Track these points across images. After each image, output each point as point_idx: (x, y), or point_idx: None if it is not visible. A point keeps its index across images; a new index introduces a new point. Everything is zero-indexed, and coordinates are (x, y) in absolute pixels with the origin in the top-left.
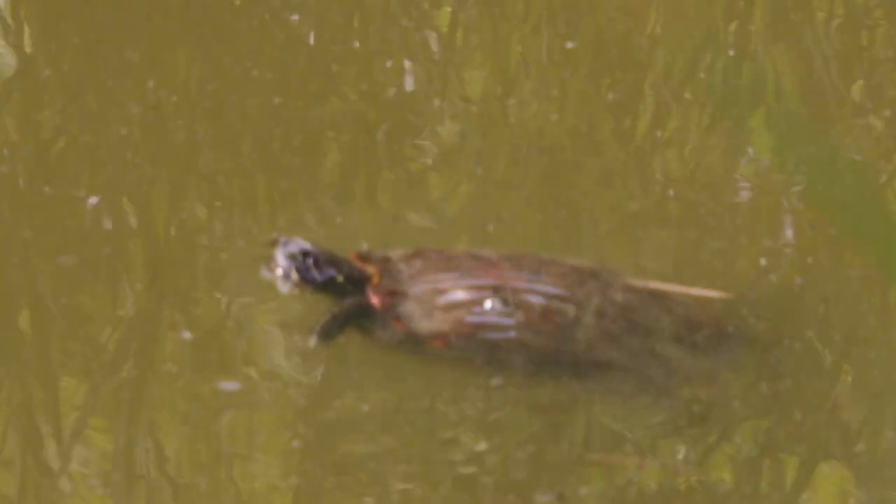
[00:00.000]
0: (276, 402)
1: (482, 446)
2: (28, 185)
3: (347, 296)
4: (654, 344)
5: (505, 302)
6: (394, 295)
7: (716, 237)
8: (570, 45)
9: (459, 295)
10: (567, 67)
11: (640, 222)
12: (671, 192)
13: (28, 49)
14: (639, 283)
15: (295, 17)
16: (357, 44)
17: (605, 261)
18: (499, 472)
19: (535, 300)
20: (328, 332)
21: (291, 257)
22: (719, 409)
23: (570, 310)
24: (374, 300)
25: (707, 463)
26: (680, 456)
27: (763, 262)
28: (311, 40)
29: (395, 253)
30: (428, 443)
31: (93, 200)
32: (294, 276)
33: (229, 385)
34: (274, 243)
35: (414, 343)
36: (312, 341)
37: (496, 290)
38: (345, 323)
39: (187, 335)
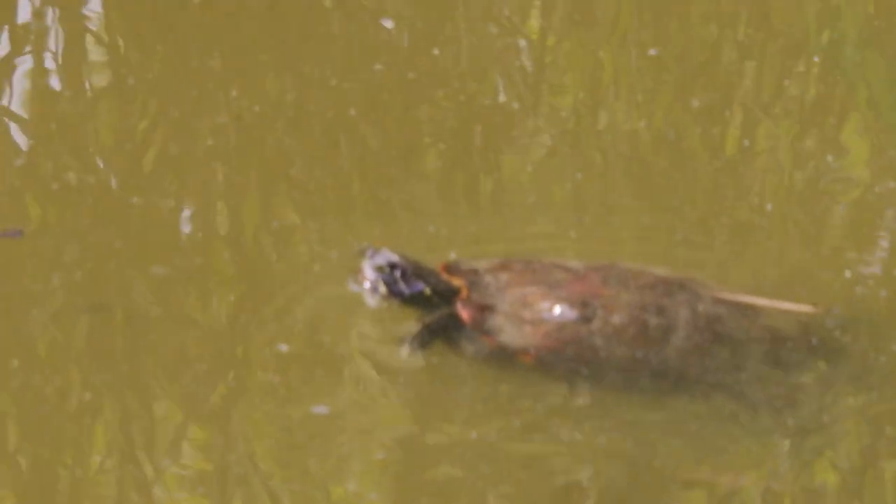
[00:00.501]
0: (369, 420)
1: (577, 467)
2: (119, 195)
3: (435, 309)
4: (743, 357)
5: (594, 315)
6: (483, 310)
7: (801, 248)
8: (653, 52)
9: (547, 307)
10: (653, 75)
11: (732, 233)
12: (759, 202)
13: (118, 60)
14: (727, 294)
15: (388, 23)
16: (446, 51)
17: (692, 271)
18: (596, 494)
19: (625, 313)
20: (421, 343)
21: (379, 269)
22: (810, 422)
23: (660, 322)
24: (465, 315)
25: (804, 477)
26: (779, 470)
27: (848, 274)
28: (405, 42)
29: (482, 264)
30: (521, 467)
31: (186, 213)
32: (382, 288)
33: (321, 409)
34: (361, 254)
35: (502, 356)
36: (405, 352)
37: (585, 304)
38: (436, 333)
39: (284, 348)
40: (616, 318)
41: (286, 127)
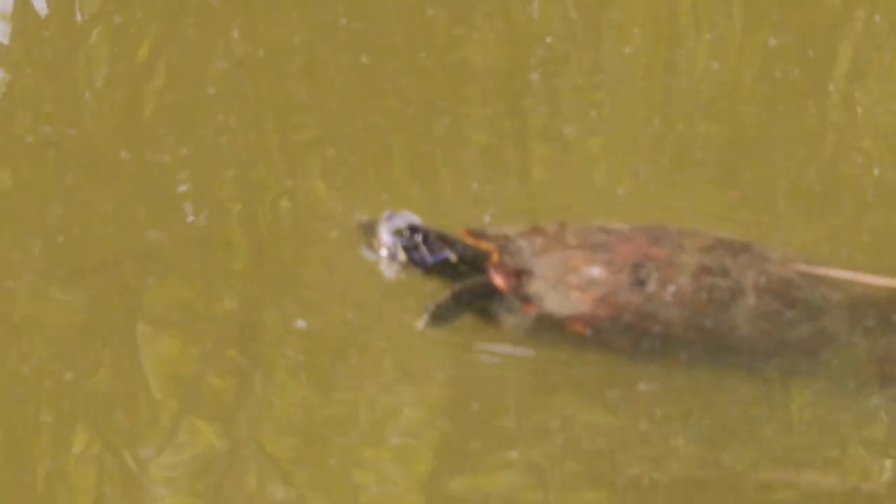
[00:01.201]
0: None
1: (640, 462)
2: (108, 150)
3: (463, 279)
4: (825, 325)
5: (650, 277)
6: (520, 274)
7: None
8: None
9: (596, 272)
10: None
11: (805, 196)
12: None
13: None
14: (799, 264)
15: None
16: None
17: (755, 236)
18: (662, 495)
19: (685, 274)
20: (442, 315)
21: (398, 233)
22: None
23: (725, 285)
24: (499, 280)
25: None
26: (870, 467)
27: None
28: None
29: (511, 229)
30: (578, 458)
31: (185, 171)
32: (401, 255)
33: (340, 394)
34: (375, 219)
35: (549, 328)
36: (422, 323)
37: (638, 265)
38: (464, 304)
39: (301, 323)
40: (675, 281)
41: (297, 74)
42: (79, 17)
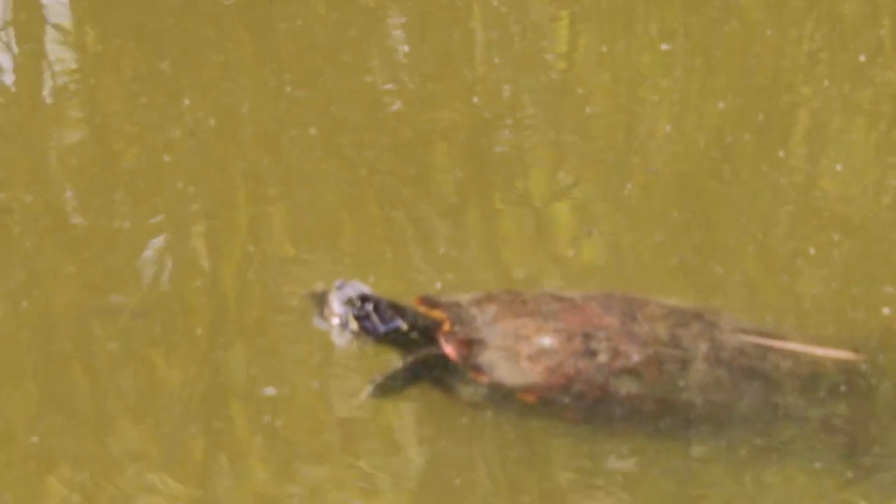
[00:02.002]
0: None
1: None
2: (63, 216)
3: (414, 347)
4: (775, 394)
5: (601, 347)
6: (471, 344)
7: (830, 281)
8: (665, 46)
9: (547, 341)
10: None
11: (753, 261)
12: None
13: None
14: (752, 334)
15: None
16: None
17: (707, 301)
18: None
19: (635, 346)
20: (388, 387)
21: (349, 303)
22: (853, 470)
23: (676, 355)
24: (449, 350)
25: None
26: None
27: (886, 311)
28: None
29: (464, 297)
30: None
31: (145, 235)
32: (353, 324)
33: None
34: (327, 289)
35: (501, 398)
36: (366, 393)
37: (589, 335)
38: (414, 376)
39: (271, 391)
40: (627, 352)
41: (249, 141)
42: (46, 92)
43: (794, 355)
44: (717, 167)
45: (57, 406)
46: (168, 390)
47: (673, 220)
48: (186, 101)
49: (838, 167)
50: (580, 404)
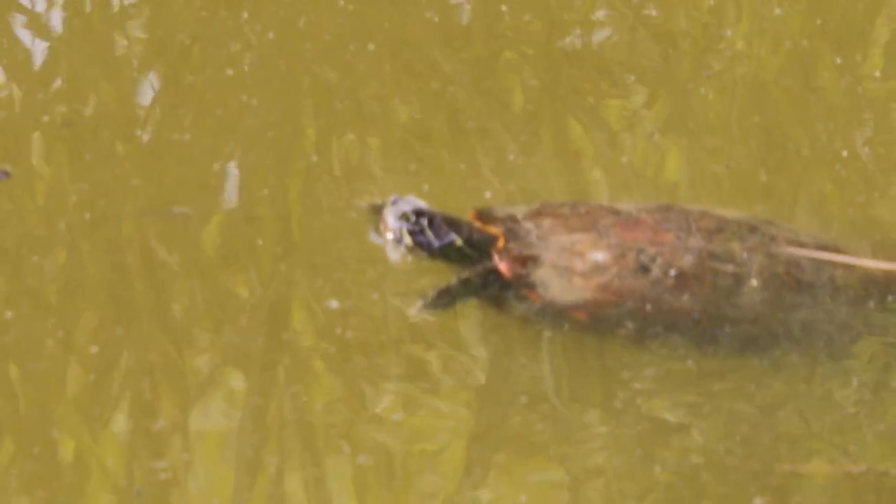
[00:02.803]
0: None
1: (648, 461)
2: (127, 129)
3: (469, 263)
4: (830, 308)
5: (655, 263)
6: (525, 261)
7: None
8: None
9: (601, 257)
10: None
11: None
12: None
13: None
14: (803, 246)
15: None
16: None
17: (763, 212)
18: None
19: (690, 260)
20: (438, 302)
21: (403, 217)
22: None
23: (731, 269)
24: (503, 268)
25: None
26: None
27: None
28: None
29: (520, 210)
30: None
31: (206, 147)
32: (407, 239)
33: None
34: (382, 203)
35: (554, 315)
36: (416, 309)
37: (643, 250)
38: (463, 294)
39: (334, 304)
40: (679, 267)
41: (313, 56)
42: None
43: (849, 268)
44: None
45: (118, 316)
46: (233, 301)
47: (745, 127)
48: (245, 15)
49: None
50: (632, 321)
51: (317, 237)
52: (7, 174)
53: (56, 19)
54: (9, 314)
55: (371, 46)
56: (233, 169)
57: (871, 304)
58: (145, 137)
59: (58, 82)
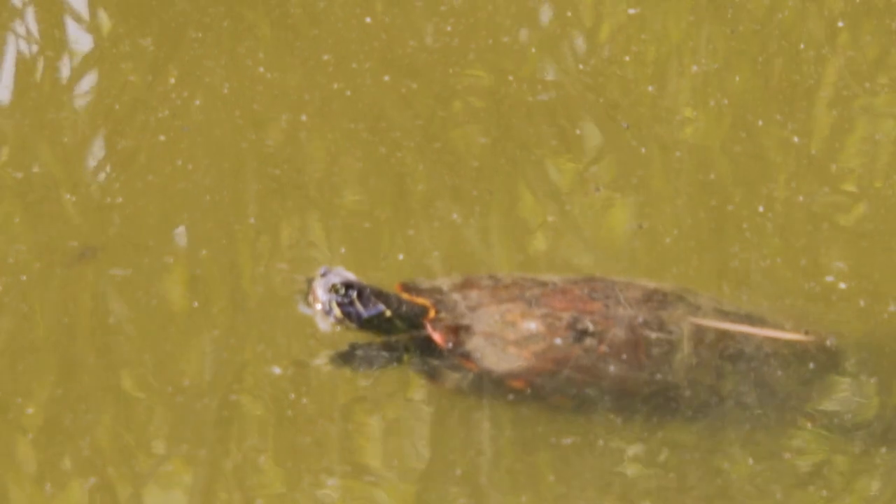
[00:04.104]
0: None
1: None
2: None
3: (397, 333)
4: (761, 373)
5: (588, 331)
6: (457, 330)
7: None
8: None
9: (533, 326)
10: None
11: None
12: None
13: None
14: (713, 320)
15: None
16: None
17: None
18: None
19: (622, 327)
20: (347, 356)
21: (333, 289)
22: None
23: (662, 338)
24: (437, 337)
25: None
26: None
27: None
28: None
29: (444, 282)
30: None
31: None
32: (336, 311)
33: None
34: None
35: (492, 384)
36: (321, 360)
37: (576, 319)
38: (379, 359)
39: (277, 370)
40: (613, 335)
41: (242, 123)
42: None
43: (777, 340)
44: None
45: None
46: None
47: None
48: (172, 80)
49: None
50: (568, 389)
51: (258, 300)
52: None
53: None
54: None
55: (303, 117)
56: (176, 231)
57: (794, 371)
58: (89, 198)
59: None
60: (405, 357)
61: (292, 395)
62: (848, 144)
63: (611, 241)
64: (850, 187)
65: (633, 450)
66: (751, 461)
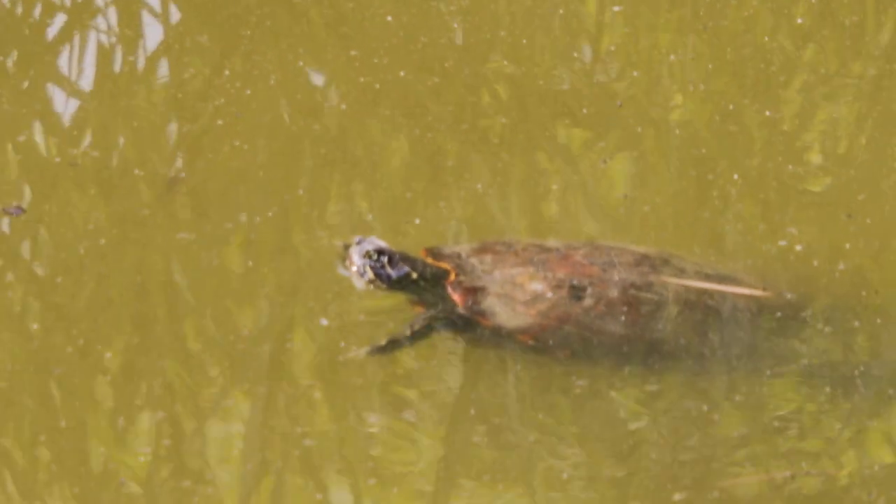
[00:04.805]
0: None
1: (577, 461)
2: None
3: (423, 293)
4: (736, 329)
5: (586, 292)
6: (474, 291)
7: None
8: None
9: (539, 288)
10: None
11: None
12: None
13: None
14: (682, 279)
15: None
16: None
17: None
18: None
19: (616, 289)
20: (388, 350)
21: (367, 255)
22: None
23: (651, 298)
24: (456, 297)
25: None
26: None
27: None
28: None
29: (463, 248)
30: (517, 465)
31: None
32: (369, 274)
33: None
34: (348, 243)
35: (500, 338)
36: (363, 352)
37: (576, 282)
38: (411, 342)
39: (324, 322)
40: (608, 296)
41: (290, 107)
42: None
43: (750, 297)
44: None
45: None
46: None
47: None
48: (227, 73)
49: None
50: (570, 344)
51: (307, 261)
52: (22, 210)
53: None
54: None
55: (343, 106)
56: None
57: (764, 324)
58: (156, 173)
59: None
60: (432, 333)
61: (342, 343)
62: (812, 125)
63: (607, 208)
64: (815, 159)
65: (629, 397)
66: (730, 405)
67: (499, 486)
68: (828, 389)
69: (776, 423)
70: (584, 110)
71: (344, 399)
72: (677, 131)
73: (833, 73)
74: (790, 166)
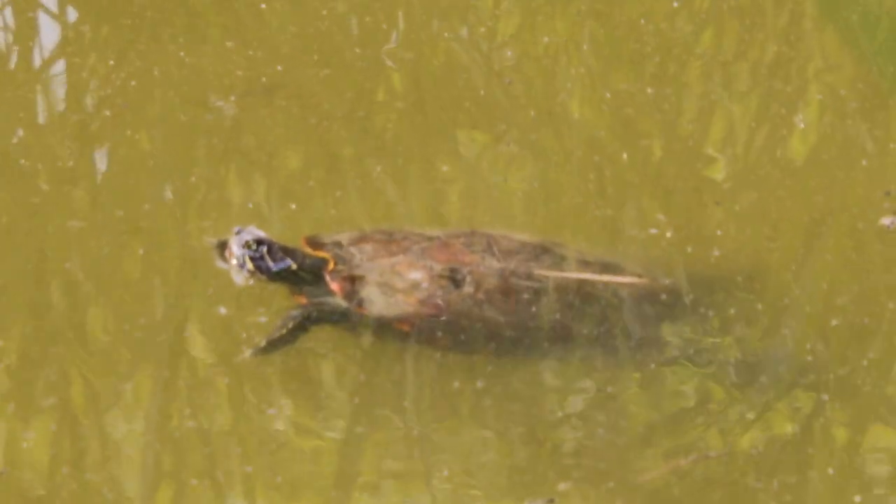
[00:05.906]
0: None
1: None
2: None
3: (304, 284)
4: (615, 314)
5: (465, 280)
6: (352, 280)
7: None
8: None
9: (418, 276)
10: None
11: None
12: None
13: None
14: (560, 269)
15: None
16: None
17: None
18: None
19: (494, 277)
20: (267, 350)
21: (246, 246)
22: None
23: (530, 286)
24: (334, 286)
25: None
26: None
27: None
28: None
29: (343, 237)
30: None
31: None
32: (248, 264)
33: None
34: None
35: (380, 327)
36: (247, 354)
37: (454, 270)
38: (291, 339)
39: (223, 310)
40: (486, 284)
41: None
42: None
43: (631, 285)
44: None
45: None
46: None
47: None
48: (111, 63)
49: None
50: (449, 332)
51: (201, 250)
52: None
53: None
54: None
55: (232, 97)
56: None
57: (647, 309)
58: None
59: None
60: (312, 327)
61: (244, 335)
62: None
63: (499, 194)
64: (710, 152)
65: (505, 386)
66: (638, 390)
67: (401, 482)
68: (731, 376)
69: (671, 409)
70: (482, 92)
71: (248, 387)
72: (576, 116)
73: (730, 59)
74: (679, 154)
